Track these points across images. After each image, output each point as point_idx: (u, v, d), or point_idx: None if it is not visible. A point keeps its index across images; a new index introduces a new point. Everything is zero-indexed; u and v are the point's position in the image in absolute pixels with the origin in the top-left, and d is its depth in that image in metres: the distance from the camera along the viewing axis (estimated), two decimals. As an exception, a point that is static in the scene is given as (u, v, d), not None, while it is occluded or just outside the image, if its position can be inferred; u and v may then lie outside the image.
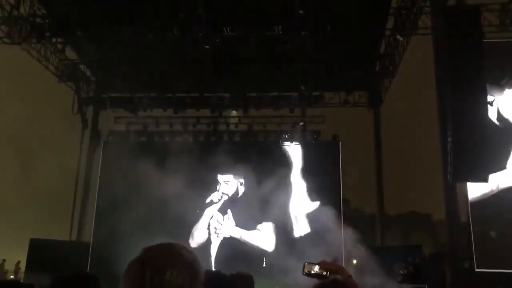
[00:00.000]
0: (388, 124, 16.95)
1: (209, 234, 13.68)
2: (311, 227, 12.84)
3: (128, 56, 13.71)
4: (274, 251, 13.04)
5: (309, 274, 1.83)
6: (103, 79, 16.34)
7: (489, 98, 10.78)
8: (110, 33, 12.34)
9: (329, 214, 11.57)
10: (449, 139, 8.32)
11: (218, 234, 13.68)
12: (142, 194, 12.24)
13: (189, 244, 13.24)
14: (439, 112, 10.15)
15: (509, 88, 11.10)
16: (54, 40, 14.08)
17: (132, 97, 15.38)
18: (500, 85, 11.08)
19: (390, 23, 13.44)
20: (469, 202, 10.61)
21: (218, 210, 13.83)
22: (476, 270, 10.31)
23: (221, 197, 13.94)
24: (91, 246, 13.78)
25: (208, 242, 13.60)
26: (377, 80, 16.00)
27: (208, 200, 13.81)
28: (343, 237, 13.11)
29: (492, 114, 10.88)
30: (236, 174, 13.94)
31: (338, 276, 1.82)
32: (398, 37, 13.49)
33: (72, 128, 15.74)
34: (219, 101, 15.42)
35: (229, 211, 13.79)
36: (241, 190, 14.00)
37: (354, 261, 13.52)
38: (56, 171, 14.12)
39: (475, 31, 9.33)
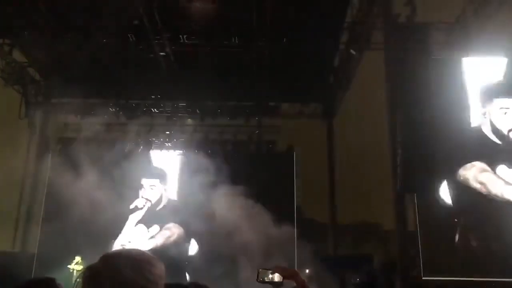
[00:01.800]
0: (341, 135, 17.31)
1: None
2: (262, 236, 12.79)
3: (80, 60, 13.29)
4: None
5: (263, 281, 1.80)
6: (53, 84, 15.74)
7: (482, 110, 11.29)
8: (61, 36, 11.95)
9: (282, 223, 11.63)
10: (399, 151, 8.59)
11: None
12: (91, 204, 11.84)
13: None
14: (390, 124, 10.46)
15: (496, 98, 11.55)
16: (0, 41, 13.48)
17: (83, 102, 14.93)
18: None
19: (344, 37, 13.79)
20: (416, 212, 10.96)
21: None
22: (423, 278, 10.63)
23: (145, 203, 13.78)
24: (35, 257, 13.18)
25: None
26: (331, 92, 16.34)
27: (132, 206, 13.55)
28: (296, 247, 13.23)
29: (486, 127, 11.36)
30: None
31: (293, 283, 1.80)
32: (351, 51, 13.85)
33: (18, 134, 15.06)
34: (174, 109, 15.25)
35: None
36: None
37: (307, 271, 13.64)
38: (0, 178, 13.45)
39: (423, 47, 9.76)
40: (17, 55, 14.50)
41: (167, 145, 14.95)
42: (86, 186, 11.95)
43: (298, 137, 16.69)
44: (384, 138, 11.26)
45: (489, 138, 11.17)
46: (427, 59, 9.65)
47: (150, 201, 13.83)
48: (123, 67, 13.39)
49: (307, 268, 13.76)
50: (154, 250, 13.24)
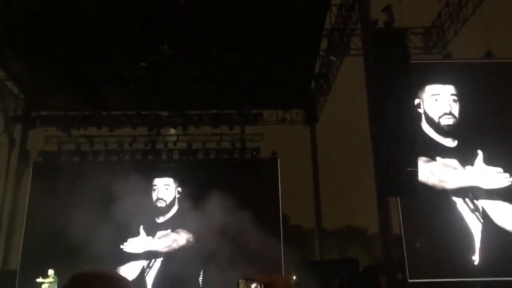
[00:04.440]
0: (324, 140, 17.44)
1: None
2: (250, 244, 12.78)
3: (60, 73, 13.16)
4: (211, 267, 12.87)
5: None
6: (33, 97, 15.56)
7: (416, 101, 11.46)
8: (40, 49, 11.83)
9: (268, 230, 11.63)
10: (379, 155, 8.69)
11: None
12: (74, 218, 11.66)
13: (120, 269, 12.92)
14: (371, 128, 10.59)
15: (428, 85, 11.76)
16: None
17: (64, 115, 14.77)
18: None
19: (324, 44, 13.95)
20: (400, 215, 11.08)
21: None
22: (409, 280, 10.73)
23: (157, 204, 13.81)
24: (18, 274, 12.92)
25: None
26: (313, 98, 16.48)
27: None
28: (283, 253, 13.23)
29: (423, 121, 11.54)
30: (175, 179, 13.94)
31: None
32: (331, 57, 14.01)
33: (-2, 148, 14.81)
34: (157, 119, 15.18)
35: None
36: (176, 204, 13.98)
37: (294, 277, 13.64)
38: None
39: (402, 52, 9.92)
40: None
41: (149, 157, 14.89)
42: (67, 200, 11.79)
43: (282, 144, 16.77)
44: (367, 142, 11.38)
45: (426, 134, 11.42)
46: (406, 62, 9.81)
47: (165, 201, 13.82)
48: (104, 79, 13.29)
49: (294, 274, 13.77)
50: (157, 252, 13.33)
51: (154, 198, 13.99)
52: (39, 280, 11.13)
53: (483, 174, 11.15)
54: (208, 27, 11.57)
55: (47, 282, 10.96)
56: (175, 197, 14.03)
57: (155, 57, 12.09)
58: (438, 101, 11.67)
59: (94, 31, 11.24)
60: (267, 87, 14.34)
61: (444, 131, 11.49)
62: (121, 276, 1.28)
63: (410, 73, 9.63)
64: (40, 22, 11.08)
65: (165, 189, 14.07)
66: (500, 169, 11.19)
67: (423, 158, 10.69)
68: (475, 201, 11.10)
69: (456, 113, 11.63)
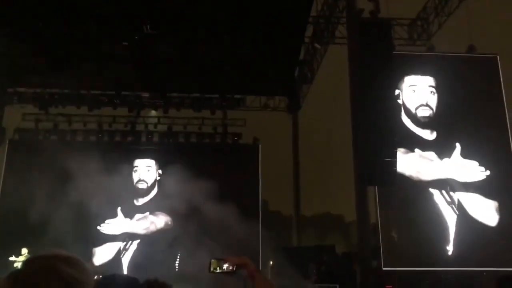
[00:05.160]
0: (305, 128, 17.51)
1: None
2: (227, 228, 12.83)
3: (39, 49, 12.81)
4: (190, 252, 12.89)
5: (215, 271, 1.78)
6: (10, 72, 15.13)
7: (396, 92, 11.54)
8: (18, 24, 11.47)
9: (246, 215, 11.66)
10: (359, 144, 8.74)
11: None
12: (49, 197, 11.48)
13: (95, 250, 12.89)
14: (352, 118, 10.64)
15: (407, 75, 11.83)
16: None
17: (43, 92, 14.44)
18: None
19: (309, 32, 13.88)
20: (377, 204, 11.23)
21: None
22: (383, 268, 10.93)
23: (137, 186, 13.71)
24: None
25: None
26: (296, 86, 16.45)
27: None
28: (261, 238, 13.30)
29: (402, 110, 11.63)
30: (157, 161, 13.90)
31: (244, 271, 1.79)
32: (316, 45, 13.97)
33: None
34: (137, 100, 14.97)
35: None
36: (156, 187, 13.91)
37: (271, 262, 13.77)
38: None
39: (386, 42, 9.95)
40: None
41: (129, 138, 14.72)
42: (43, 177, 11.58)
43: (264, 130, 16.77)
44: (348, 131, 11.46)
45: (405, 125, 11.55)
46: (390, 53, 9.84)
47: (146, 182, 13.71)
48: (84, 57, 12.98)
49: (271, 259, 13.89)
50: (134, 234, 13.28)
51: (135, 179, 13.88)
52: (12, 258, 10.96)
53: (459, 166, 11.35)
54: (193, 10, 11.37)
55: (19, 261, 10.79)
56: (155, 179, 13.94)
57: (137, 37, 11.84)
58: (416, 92, 11.78)
59: (74, 7, 10.94)
60: (251, 73, 14.24)
61: (420, 122, 11.62)
62: (70, 265, 1.22)
63: (393, 64, 9.67)
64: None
65: (147, 171, 13.98)
66: (476, 163, 11.40)
67: (402, 150, 10.81)
68: (451, 193, 11.31)
69: (433, 105, 11.74)
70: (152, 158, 14.05)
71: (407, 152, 11.27)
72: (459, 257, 10.94)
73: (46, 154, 11.91)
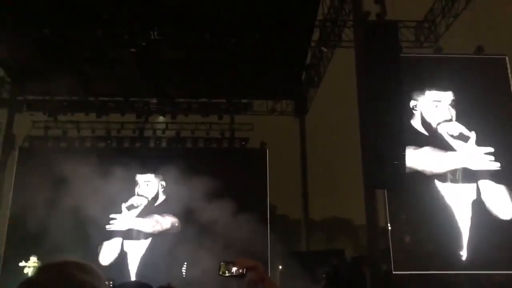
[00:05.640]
0: (313, 132, 17.47)
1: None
2: (237, 233, 12.82)
3: (48, 57, 12.92)
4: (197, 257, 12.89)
5: (225, 274, 1.76)
6: (19, 80, 15.28)
7: (412, 103, 11.50)
8: (27, 32, 11.58)
9: (255, 220, 11.65)
10: (367, 147, 8.69)
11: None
12: (61, 205, 11.56)
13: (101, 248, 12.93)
14: (360, 121, 10.59)
15: (429, 90, 11.82)
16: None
17: (51, 100, 14.55)
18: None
19: (316, 35, 13.87)
20: (387, 208, 11.15)
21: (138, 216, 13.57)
22: (394, 272, 10.83)
23: (140, 202, 13.74)
24: (2, 259, 12.81)
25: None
26: (303, 89, 16.43)
27: (127, 204, 13.47)
28: (269, 242, 13.27)
29: (416, 120, 11.59)
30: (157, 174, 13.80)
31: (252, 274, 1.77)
32: (323, 48, 13.95)
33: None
34: (145, 106, 15.04)
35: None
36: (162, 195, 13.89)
37: (280, 266, 13.73)
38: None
39: (393, 44, 9.91)
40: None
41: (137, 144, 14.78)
42: (53, 185, 11.68)
43: (271, 134, 16.76)
44: (356, 134, 11.41)
45: (416, 130, 11.49)
46: (397, 55, 9.80)
47: (146, 197, 13.74)
48: (92, 64, 13.07)
49: (280, 264, 13.85)
50: (140, 232, 13.30)
51: (136, 193, 13.97)
52: (22, 264, 11.05)
53: (473, 154, 11.23)
54: (200, 14, 11.42)
55: (30, 267, 10.88)
56: (158, 191, 13.97)
57: (144, 43, 11.90)
58: (439, 108, 11.77)
59: (82, 14, 11.02)
60: (258, 77, 14.24)
61: (442, 138, 11.56)
62: (83, 272, 1.22)
63: (401, 67, 9.63)
64: (27, 3, 10.84)
65: (146, 185, 14.01)
66: (491, 149, 11.27)
67: (412, 147, 10.77)
68: (465, 183, 11.14)
69: (454, 118, 11.75)
70: (151, 172, 14.02)
71: (417, 148, 11.21)
72: (473, 260, 10.75)
73: (55, 161, 11.99)
